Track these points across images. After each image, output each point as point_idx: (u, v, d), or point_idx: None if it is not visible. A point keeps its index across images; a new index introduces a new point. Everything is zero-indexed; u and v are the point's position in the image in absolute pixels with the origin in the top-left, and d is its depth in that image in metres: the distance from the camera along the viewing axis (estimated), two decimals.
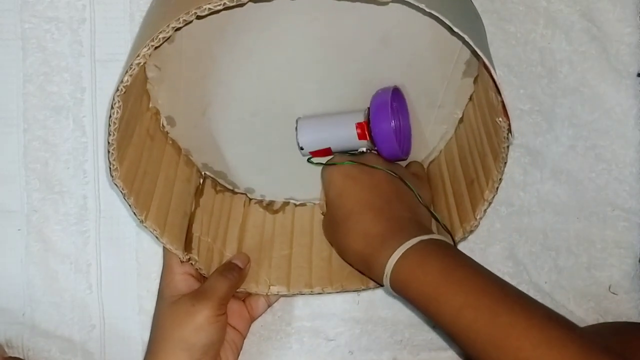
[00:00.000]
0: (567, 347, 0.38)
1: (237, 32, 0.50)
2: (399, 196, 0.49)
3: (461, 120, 0.54)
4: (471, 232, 0.49)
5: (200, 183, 0.55)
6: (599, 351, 0.39)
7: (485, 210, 0.48)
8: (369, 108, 0.50)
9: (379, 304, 0.56)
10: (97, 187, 0.56)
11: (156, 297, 0.50)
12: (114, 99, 0.41)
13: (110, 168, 0.43)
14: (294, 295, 0.53)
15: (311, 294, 0.52)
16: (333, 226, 0.49)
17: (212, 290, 0.48)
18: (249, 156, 0.55)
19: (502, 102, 0.42)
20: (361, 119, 0.50)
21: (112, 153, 0.42)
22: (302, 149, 0.52)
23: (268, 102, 0.54)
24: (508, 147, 0.45)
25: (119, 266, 0.56)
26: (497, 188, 0.47)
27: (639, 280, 0.57)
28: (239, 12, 0.48)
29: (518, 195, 0.56)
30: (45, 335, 0.55)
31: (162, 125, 0.53)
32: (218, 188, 0.56)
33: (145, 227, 0.47)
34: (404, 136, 0.52)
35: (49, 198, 0.56)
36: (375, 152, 0.52)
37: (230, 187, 0.56)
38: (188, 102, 0.53)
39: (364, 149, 0.52)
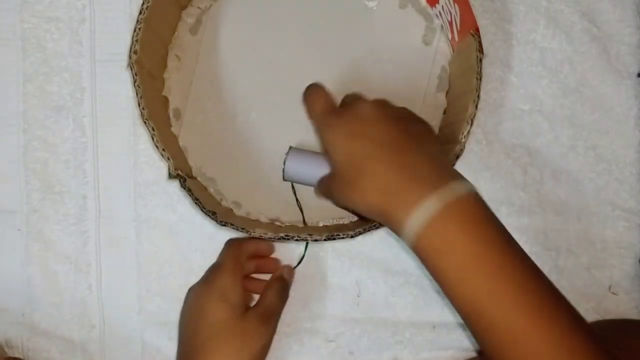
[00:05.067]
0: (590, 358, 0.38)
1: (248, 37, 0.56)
2: (410, 140, 0.45)
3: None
4: (457, 157, 0.49)
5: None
6: None
7: (469, 132, 0.49)
8: None
9: (379, 305, 0.56)
10: (97, 187, 0.56)
11: (207, 291, 0.50)
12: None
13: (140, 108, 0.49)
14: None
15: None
16: (343, 188, 0.46)
17: (274, 309, 0.50)
18: (240, 169, 0.55)
19: (472, 12, 0.46)
20: None
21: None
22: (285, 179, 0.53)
23: (267, 111, 0.56)
24: (481, 60, 0.49)
25: (119, 266, 0.56)
26: (477, 105, 0.49)
27: (639, 280, 0.57)
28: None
29: (518, 195, 0.56)
30: (45, 336, 0.55)
31: (169, 116, 0.54)
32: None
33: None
34: None
35: (48, 198, 0.56)
36: None
37: (218, 198, 0.55)
38: (195, 97, 0.55)
39: None
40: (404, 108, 0.48)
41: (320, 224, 0.55)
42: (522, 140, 0.56)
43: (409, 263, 0.56)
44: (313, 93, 0.50)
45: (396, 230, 0.43)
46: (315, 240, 0.50)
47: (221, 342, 0.47)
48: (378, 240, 0.56)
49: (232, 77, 0.56)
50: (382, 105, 0.47)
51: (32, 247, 0.56)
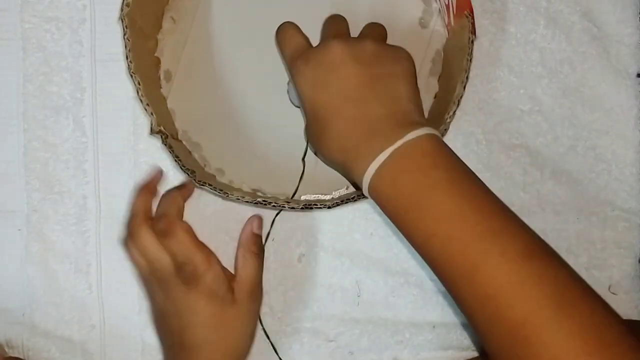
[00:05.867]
0: (541, 285, 0.36)
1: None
2: (374, 89, 0.44)
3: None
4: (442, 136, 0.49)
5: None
6: (579, 287, 0.37)
7: (454, 112, 0.49)
8: None
9: (379, 305, 0.56)
10: (97, 187, 0.56)
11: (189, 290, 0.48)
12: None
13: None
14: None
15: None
16: (313, 138, 0.47)
17: (255, 280, 0.50)
18: (227, 136, 0.55)
19: None
20: None
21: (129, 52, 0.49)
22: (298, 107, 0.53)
23: (259, 81, 0.56)
24: (472, 42, 0.49)
25: (119, 266, 0.55)
26: (465, 86, 0.48)
27: (639, 280, 0.57)
28: None
29: (518, 195, 0.56)
30: (45, 336, 0.55)
31: (159, 77, 0.55)
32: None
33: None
34: None
35: (48, 198, 0.56)
36: None
37: (202, 164, 0.55)
38: (187, 61, 0.55)
39: None
40: (380, 45, 0.47)
41: (302, 198, 0.55)
42: (522, 140, 0.56)
43: (409, 263, 0.56)
44: (284, 32, 0.50)
45: (356, 183, 0.45)
46: (292, 208, 0.50)
47: (217, 334, 0.48)
48: (378, 240, 0.56)
49: (226, 44, 0.56)
50: (352, 45, 0.45)
51: (32, 247, 0.56)
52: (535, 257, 0.38)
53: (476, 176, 0.42)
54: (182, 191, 0.53)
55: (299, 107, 0.54)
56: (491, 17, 0.56)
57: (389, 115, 0.43)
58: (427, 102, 0.55)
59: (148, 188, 0.53)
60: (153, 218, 0.51)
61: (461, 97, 0.49)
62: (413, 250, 0.54)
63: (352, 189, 0.54)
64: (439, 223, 0.39)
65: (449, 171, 0.41)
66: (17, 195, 0.56)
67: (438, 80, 0.56)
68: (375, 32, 0.49)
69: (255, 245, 0.51)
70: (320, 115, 0.45)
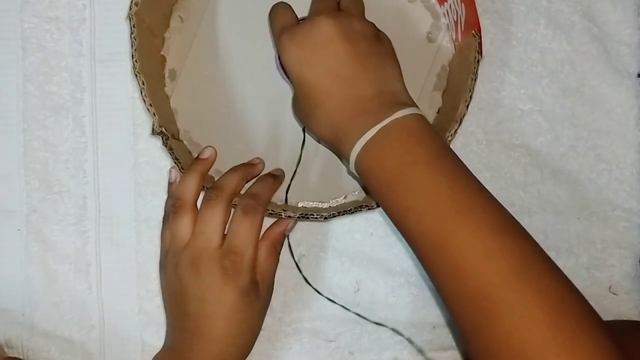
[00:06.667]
0: (508, 259, 0.38)
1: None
2: (363, 68, 0.45)
3: None
4: None
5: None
6: (545, 264, 0.38)
7: (456, 130, 0.49)
8: None
9: (379, 305, 0.56)
10: (97, 187, 0.56)
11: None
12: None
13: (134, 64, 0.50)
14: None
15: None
16: (301, 114, 0.49)
17: (272, 272, 0.51)
18: (227, 138, 0.55)
19: (477, 13, 0.47)
20: None
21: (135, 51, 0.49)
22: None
23: (263, 85, 0.56)
24: (478, 61, 0.49)
25: (119, 266, 0.56)
26: (468, 105, 0.49)
27: (639, 280, 0.57)
28: None
29: (518, 195, 0.56)
30: (45, 336, 0.55)
31: (164, 75, 0.55)
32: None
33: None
34: None
35: (48, 198, 0.56)
36: None
37: None
38: (193, 61, 0.56)
39: None
40: (367, 24, 0.47)
41: (300, 205, 0.55)
42: (522, 140, 0.56)
43: (409, 263, 0.56)
44: (275, 11, 0.50)
45: (344, 158, 0.46)
46: (289, 217, 0.51)
47: (238, 328, 0.48)
48: (378, 240, 0.56)
49: (232, 47, 0.56)
50: (339, 21, 0.46)
51: (32, 247, 0.56)
52: (505, 232, 0.39)
53: (456, 156, 0.43)
54: (277, 181, 0.53)
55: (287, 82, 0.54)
56: (492, 17, 0.56)
57: (378, 94, 0.45)
58: (430, 117, 0.55)
59: (247, 169, 0.52)
60: (241, 195, 0.51)
61: (464, 116, 0.49)
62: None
63: (349, 199, 0.54)
64: (417, 197, 0.41)
65: (431, 150, 0.42)
66: (17, 195, 0.56)
67: (442, 96, 0.55)
68: (357, 7, 0.49)
69: (281, 244, 0.52)
70: (309, 93, 0.46)
